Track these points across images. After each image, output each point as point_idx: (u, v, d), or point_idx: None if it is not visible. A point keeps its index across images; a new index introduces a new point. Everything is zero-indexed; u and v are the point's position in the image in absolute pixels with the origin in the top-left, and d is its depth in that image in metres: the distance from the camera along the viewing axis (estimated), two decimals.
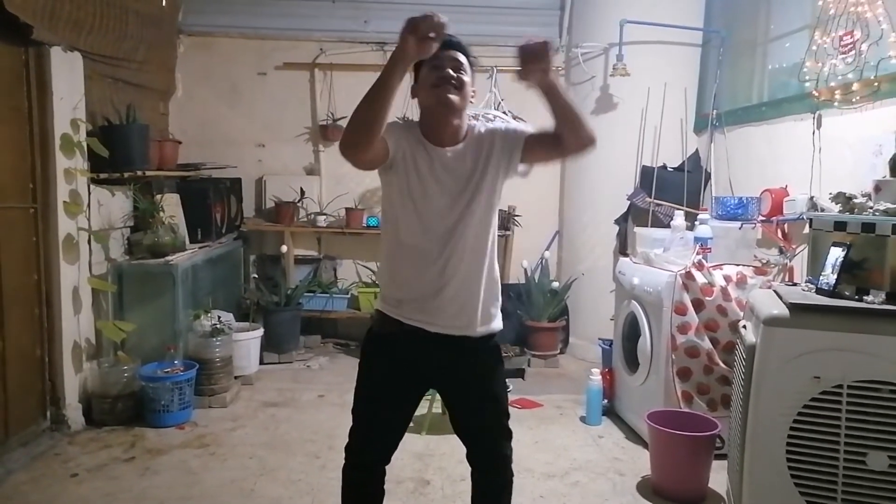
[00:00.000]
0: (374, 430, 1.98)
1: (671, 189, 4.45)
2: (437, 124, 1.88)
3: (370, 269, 5.07)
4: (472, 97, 1.88)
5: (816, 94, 3.17)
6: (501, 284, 2.03)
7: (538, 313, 4.81)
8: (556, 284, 4.92)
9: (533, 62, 1.70)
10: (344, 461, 2.02)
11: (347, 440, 2.01)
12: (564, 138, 1.82)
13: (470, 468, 2.04)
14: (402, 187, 1.86)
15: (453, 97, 1.82)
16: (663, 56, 4.61)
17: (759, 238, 3.62)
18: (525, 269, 5.01)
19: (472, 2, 5.11)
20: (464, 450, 2.03)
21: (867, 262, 2.32)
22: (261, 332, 4.47)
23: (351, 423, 2.01)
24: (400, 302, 1.92)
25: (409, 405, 2.00)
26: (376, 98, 1.69)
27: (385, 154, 1.82)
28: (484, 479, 2.03)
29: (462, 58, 1.86)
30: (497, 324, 1.99)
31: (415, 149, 1.86)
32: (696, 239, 3.46)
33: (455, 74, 1.83)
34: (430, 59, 1.78)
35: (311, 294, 4.99)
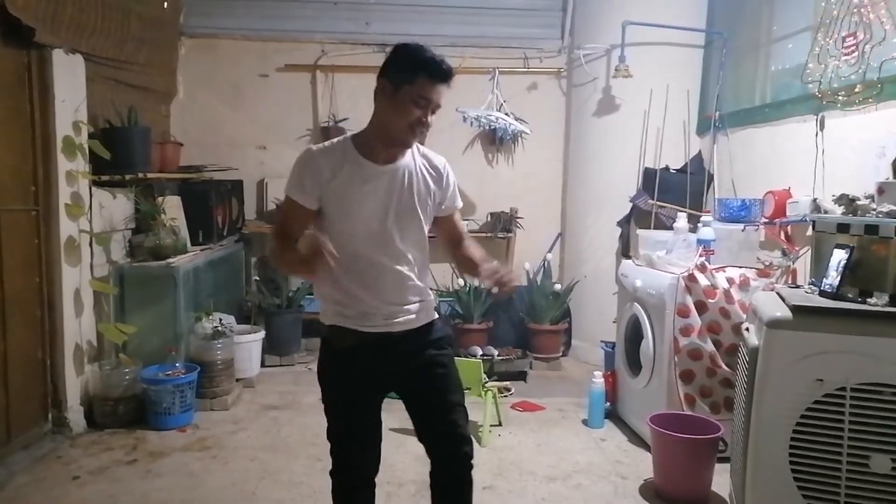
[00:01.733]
0: (362, 446, 1.97)
1: (674, 191, 4.45)
2: (385, 148, 1.91)
3: None
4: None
5: (819, 96, 3.17)
6: None
7: (540, 316, 4.81)
8: (558, 287, 4.90)
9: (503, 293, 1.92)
10: (333, 485, 1.99)
11: (332, 465, 1.99)
12: (455, 259, 2.11)
13: (431, 462, 2.02)
14: (339, 208, 1.89)
15: (416, 141, 1.90)
16: (666, 57, 4.61)
17: (762, 240, 3.61)
18: (527, 272, 5.00)
19: (474, 3, 5.12)
20: None
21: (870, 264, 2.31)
22: (262, 334, 4.47)
23: (330, 448, 1.99)
24: (362, 314, 1.92)
25: (378, 412, 2.01)
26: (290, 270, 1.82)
27: (312, 212, 1.91)
28: (443, 466, 2.01)
29: (444, 95, 1.86)
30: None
31: (338, 170, 1.89)
32: (699, 241, 3.46)
33: (430, 122, 1.86)
34: (422, 88, 1.80)
35: (312, 296, 4.98)
